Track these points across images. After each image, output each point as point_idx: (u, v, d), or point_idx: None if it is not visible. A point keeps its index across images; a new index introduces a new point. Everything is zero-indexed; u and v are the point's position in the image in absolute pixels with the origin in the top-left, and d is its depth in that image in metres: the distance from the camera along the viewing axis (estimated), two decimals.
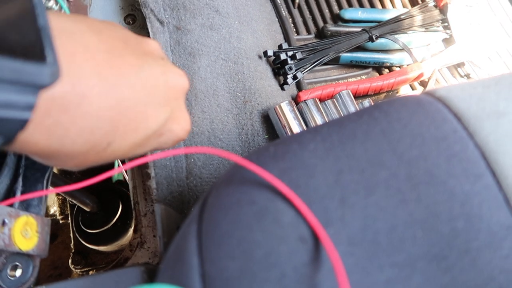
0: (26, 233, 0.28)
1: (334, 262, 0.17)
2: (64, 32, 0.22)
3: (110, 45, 0.24)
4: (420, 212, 0.19)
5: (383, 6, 0.67)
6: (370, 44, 0.59)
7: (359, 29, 0.60)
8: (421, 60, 0.60)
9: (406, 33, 0.58)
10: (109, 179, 0.57)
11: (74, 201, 0.49)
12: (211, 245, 0.20)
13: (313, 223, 0.19)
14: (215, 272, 0.19)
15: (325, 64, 0.61)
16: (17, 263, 0.30)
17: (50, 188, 0.34)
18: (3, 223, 0.27)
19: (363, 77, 0.62)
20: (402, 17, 0.59)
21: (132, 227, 0.53)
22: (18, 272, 0.30)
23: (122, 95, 0.24)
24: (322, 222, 0.20)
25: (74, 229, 0.53)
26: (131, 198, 0.42)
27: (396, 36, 0.58)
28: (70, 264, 0.56)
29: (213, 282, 0.19)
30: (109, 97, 0.23)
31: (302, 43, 0.62)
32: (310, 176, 0.21)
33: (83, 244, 0.55)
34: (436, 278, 0.18)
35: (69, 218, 0.57)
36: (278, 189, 0.20)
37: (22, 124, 0.19)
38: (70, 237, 0.57)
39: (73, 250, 0.57)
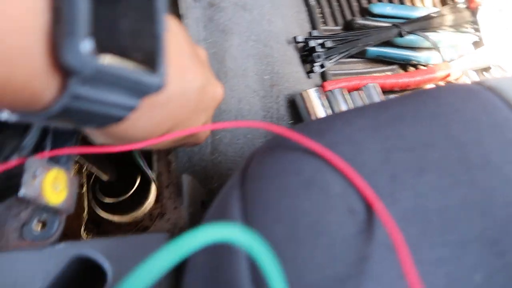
0: (56, 187, 0.29)
1: (391, 233, 0.17)
2: (170, 34, 0.22)
3: (189, 49, 0.26)
4: (474, 195, 0.19)
5: (412, 3, 0.67)
6: (398, 40, 0.59)
7: (387, 24, 0.59)
8: (448, 60, 0.59)
9: (436, 31, 0.58)
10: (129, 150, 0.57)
11: (93, 169, 0.50)
12: (256, 210, 0.20)
13: (367, 193, 0.19)
14: (261, 235, 0.19)
15: (351, 56, 0.61)
16: (43, 218, 0.30)
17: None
18: (34, 175, 0.27)
19: (388, 73, 0.62)
20: (433, 15, 0.58)
21: (149, 200, 0.53)
22: (43, 227, 0.31)
23: (189, 97, 0.26)
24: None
25: (90, 197, 0.54)
26: (155, 169, 0.42)
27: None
28: (82, 231, 0.57)
29: None
30: (183, 99, 0.25)
31: (329, 34, 0.62)
32: (358, 151, 0.21)
33: (97, 213, 0.55)
34: (489, 261, 0.18)
35: (84, 188, 0.57)
36: (328, 160, 0.20)
37: (118, 119, 0.20)
38: (83, 207, 0.58)
39: (86, 218, 0.57)
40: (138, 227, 0.45)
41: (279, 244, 0.19)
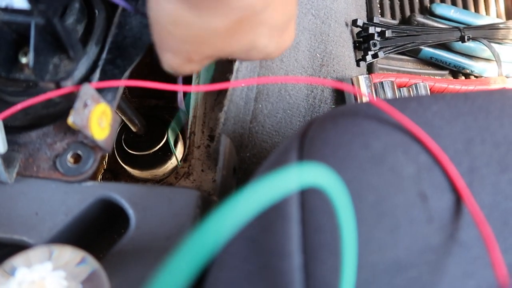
0: (101, 122, 0.27)
1: (481, 227, 0.15)
2: None
3: None
4: None
5: (476, 10, 0.64)
6: (456, 45, 0.56)
7: (447, 27, 0.56)
8: (505, 75, 0.56)
9: (498, 43, 0.55)
10: (159, 108, 0.56)
11: (123, 118, 0.48)
12: None
13: (456, 179, 0.17)
14: (318, 204, 0.18)
15: (403, 54, 0.58)
16: (79, 152, 0.29)
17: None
18: (85, 104, 0.26)
19: (437, 77, 0.59)
20: (500, 25, 0.55)
21: (172, 160, 0.52)
22: (77, 162, 0.30)
23: None
24: None
25: (114, 146, 0.53)
26: (188, 127, 0.41)
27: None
28: (99, 180, 0.56)
29: (313, 215, 0.18)
30: None
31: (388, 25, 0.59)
32: (436, 136, 0.19)
33: (116, 164, 0.55)
34: None
35: None
36: (415, 134, 0.18)
37: None
38: (104, 155, 0.57)
39: (105, 167, 0.57)
40: (162, 183, 0.44)
41: None
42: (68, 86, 0.29)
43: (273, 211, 0.18)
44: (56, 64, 0.30)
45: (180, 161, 0.46)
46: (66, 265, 0.23)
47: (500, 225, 0.17)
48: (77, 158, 0.30)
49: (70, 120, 0.25)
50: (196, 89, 0.25)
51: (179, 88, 0.28)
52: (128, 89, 0.55)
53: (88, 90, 0.27)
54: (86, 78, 0.31)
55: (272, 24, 0.24)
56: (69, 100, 0.29)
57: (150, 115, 0.53)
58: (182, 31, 0.22)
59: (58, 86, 0.30)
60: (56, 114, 0.33)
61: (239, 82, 0.26)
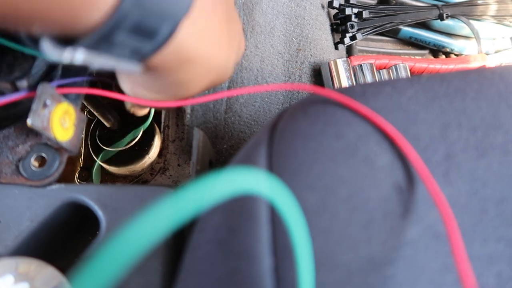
0: (64, 123, 0.26)
1: (445, 219, 0.14)
2: None
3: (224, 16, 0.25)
4: None
5: None
6: (435, 24, 0.55)
7: (426, 5, 0.55)
8: (484, 52, 0.56)
9: (478, 20, 0.54)
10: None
11: (96, 113, 0.46)
12: (285, 172, 0.18)
13: (419, 168, 0.16)
14: None
15: (382, 34, 0.57)
16: (43, 155, 0.28)
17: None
18: (45, 104, 0.24)
19: (417, 57, 0.58)
20: (478, 2, 0.54)
21: (149, 155, 0.50)
22: (41, 165, 0.28)
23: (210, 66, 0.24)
24: None
25: (89, 143, 0.51)
26: (162, 121, 0.40)
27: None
28: (76, 179, 0.54)
29: None
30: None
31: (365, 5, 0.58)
32: (411, 122, 0.18)
33: (93, 162, 0.53)
34: None
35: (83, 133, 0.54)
36: (378, 125, 0.17)
37: (186, 8, 0.18)
38: (79, 152, 0.55)
39: (81, 165, 0.55)
40: (137, 180, 0.43)
41: (309, 213, 0.16)
42: (23, 89, 0.28)
43: (241, 211, 0.17)
44: (10, 62, 0.28)
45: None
46: (30, 278, 0.22)
47: (479, 213, 0.16)
48: (41, 161, 0.29)
49: (29, 122, 0.24)
50: (170, 104, 0.25)
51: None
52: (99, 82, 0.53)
53: (46, 89, 0.25)
54: (47, 76, 0.29)
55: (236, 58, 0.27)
56: (30, 100, 0.27)
57: (124, 109, 0.51)
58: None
59: (13, 86, 0.28)
60: (16, 115, 0.31)
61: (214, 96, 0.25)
